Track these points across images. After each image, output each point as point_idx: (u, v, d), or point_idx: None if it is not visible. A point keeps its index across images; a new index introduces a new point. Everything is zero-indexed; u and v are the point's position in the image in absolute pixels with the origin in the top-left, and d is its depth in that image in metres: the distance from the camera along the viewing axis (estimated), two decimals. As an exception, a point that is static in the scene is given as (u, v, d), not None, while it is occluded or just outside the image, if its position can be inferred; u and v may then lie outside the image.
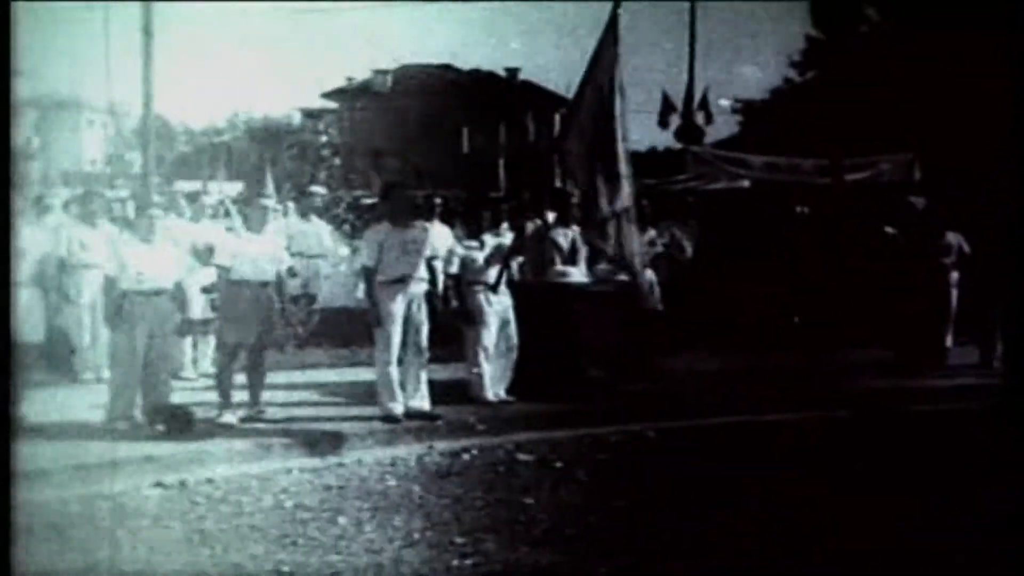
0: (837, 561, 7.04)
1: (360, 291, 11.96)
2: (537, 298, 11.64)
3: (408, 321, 10.62)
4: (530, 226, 12.11)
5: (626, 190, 11.54)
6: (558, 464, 9.44)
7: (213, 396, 10.50)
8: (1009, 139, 10.56)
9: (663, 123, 23.78)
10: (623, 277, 12.13)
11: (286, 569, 6.83)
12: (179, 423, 9.89)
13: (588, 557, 7.06)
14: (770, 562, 7.03)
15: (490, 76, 33.39)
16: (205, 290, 11.17)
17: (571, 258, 11.77)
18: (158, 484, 8.64)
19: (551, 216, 12.15)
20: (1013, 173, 10.94)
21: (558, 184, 11.98)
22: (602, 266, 12.13)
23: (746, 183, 16.74)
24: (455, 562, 6.99)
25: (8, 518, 6.87)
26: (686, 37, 24.15)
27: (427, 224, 11.09)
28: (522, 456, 9.69)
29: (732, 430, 10.60)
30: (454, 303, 11.23)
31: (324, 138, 33.43)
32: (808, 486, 8.52)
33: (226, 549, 7.15)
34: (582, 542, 7.32)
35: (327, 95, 33.98)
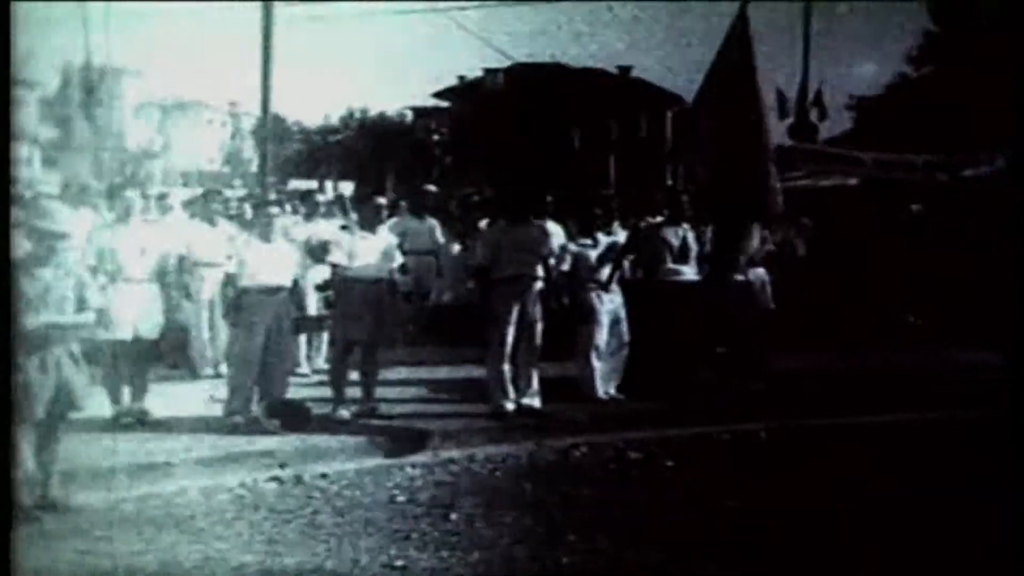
0: (951, 562, 6.94)
1: (473, 288, 12.03)
2: (648, 296, 11.61)
3: (522, 319, 10.67)
4: (642, 224, 12.09)
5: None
6: (669, 463, 9.41)
7: (327, 392, 10.66)
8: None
9: (780, 118, 23.46)
10: (736, 276, 12.04)
11: (399, 564, 6.91)
12: (295, 418, 10.06)
13: (698, 557, 7.04)
14: (879, 563, 6.95)
15: (602, 74, 33.27)
16: (320, 288, 11.32)
17: (682, 256, 11.70)
18: (274, 478, 8.80)
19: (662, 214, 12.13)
20: None
21: (669, 182, 11.93)
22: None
23: (855, 180, 16.51)
24: (565, 559, 7.01)
25: (8, 518, 6.99)
26: (800, 32, 23.82)
27: (544, 224, 11.11)
28: (632, 454, 9.67)
29: (844, 431, 10.46)
30: (565, 301, 11.24)
31: (436, 137, 33.66)
32: (922, 488, 8.39)
33: (340, 543, 7.26)
34: (692, 541, 7.30)
35: (439, 94, 34.18)
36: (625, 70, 33.73)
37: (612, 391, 11.36)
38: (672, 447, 9.83)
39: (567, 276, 11.26)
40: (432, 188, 16.92)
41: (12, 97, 7.54)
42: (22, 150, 27.68)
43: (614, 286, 11.37)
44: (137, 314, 10.11)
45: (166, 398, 10.54)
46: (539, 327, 10.75)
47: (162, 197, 13.21)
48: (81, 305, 7.73)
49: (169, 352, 11.77)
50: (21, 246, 7.92)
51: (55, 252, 7.68)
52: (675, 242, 11.68)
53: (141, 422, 10.07)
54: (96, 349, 8.74)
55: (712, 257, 11.77)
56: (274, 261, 10.20)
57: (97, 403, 8.67)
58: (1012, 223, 13.62)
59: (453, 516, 7.82)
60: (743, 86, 11.17)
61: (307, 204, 13.57)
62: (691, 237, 11.77)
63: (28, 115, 28.02)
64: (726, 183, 11.29)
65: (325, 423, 10.18)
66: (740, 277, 12.06)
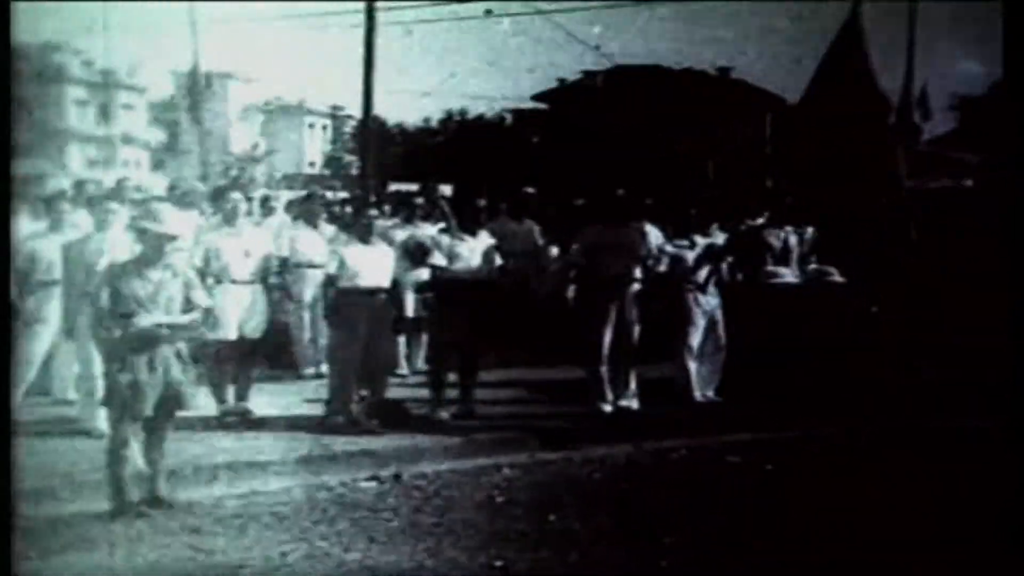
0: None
1: (571, 291, 12.02)
2: (747, 298, 11.53)
3: (620, 320, 10.67)
4: (742, 226, 12.02)
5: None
6: (768, 467, 9.34)
7: (426, 393, 10.74)
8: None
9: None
10: (835, 278, 11.91)
11: (498, 564, 6.96)
12: (394, 419, 10.16)
13: (798, 560, 6.99)
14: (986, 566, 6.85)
15: (702, 75, 33.04)
16: (419, 289, 11.40)
17: (783, 258, 11.61)
18: (374, 477, 8.89)
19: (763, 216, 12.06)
20: None
21: (769, 184, 11.84)
22: (813, 266, 11.93)
23: (968, 182, 16.21)
24: (663, 562, 7.01)
25: (8, 518, 7.09)
26: (904, 31, 23.41)
27: (643, 226, 11.09)
28: (731, 458, 9.62)
29: (949, 434, 10.29)
30: (658, 305, 11.21)
31: (535, 139, 33.68)
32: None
33: (440, 542, 7.33)
34: (792, 545, 7.25)
35: (538, 96, 34.21)
36: (725, 71, 33.47)
37: (710, 394, 11.30)
38: (772, 451, 9.76)
39: (664, 277, 11.24)
40: (531, 190, 16.95)
41: (12, 97, 7.62)
42: (131, 153, 28.31)
43: (711, 288, 11.31)
44: (241, 314, 10.28)
45: (269, 397, 10.70)
46: (636, 328, 10.75)
47: (265, 200, 13.42)
48: (188, 305, 7.89)
49: (272, 352, 11.92)
50: (131, 248, 8.12)
51: (163, 253, 7.84)
52: (776, 244, 11.60)
53: (245, 421, 10.24)
54: (202, 349, 8.91)
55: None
56: (374, 263, 10.30)
57: (202, 402, 8.83)
58: None
59: (551, 517, 7.85)
60: (858, 85, 11.04)
61: (407, 206, 13.68)
62: (793, 239, 11.67)
63: (138, 119, 28.66)
64: (837, 183, 11.17)
65: (424, 423, 10.26)
66: (841, 279, 11.93)
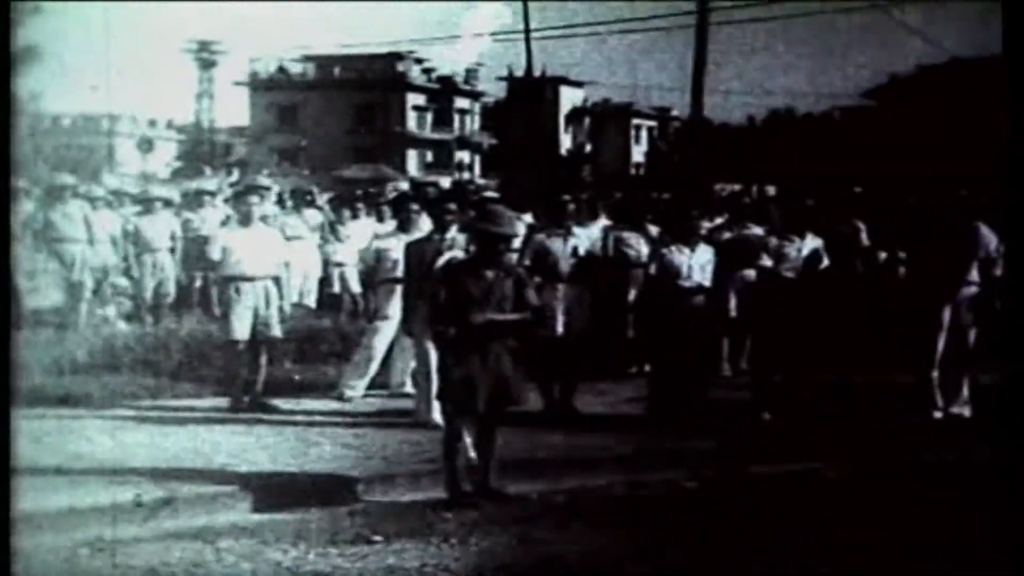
0: None
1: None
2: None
3: (954, 324, 10.38)
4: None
5: None
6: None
7: (748, 394, 10.73)
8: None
9: None
10: None
11: (823, 571, 6.91)
12: (715, 419, 10.17)
13: None
14: None
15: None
16: (744, 290, 11.34)
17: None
18: (694, 477, 8.88)
19: None
20: None
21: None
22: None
23: None
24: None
25: (8, 517, 7.14)
26: None
27: (978, 226, 10.68)
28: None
29: None
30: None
31: (865, 137, 32.82)
32: None
33: (761, 546, 7.31)
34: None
35: (868, 93, 33.29)
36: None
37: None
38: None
39: (1000, 280, 10.77)
40: (858, 189, 16.59)
41: (11, 95, 7.76)
42: (465, 156, 29.45)
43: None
44: (568, 313, 10.52)
45: (593, 395, 10.92)
46: (972, 332, 10.40)
47: (592, 200, 13.65)
48: (519, 304, 8.11)
49: (597, 350, 12.10)
50: (467, 247, 8.47)
51: (498, 253, 8.11)
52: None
53: (569, 418, 10.46)
54: (531, 346, 9.17)
55: None
56: (695, 263, 10.34)
57: (530, 398, 9.09)
58: None
59: (877, 528, 7.69)
60: None
61: (732, 206, 13.65)
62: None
63: (471, 123, 29.78)
64: None
65: (745, 425, 10.22)
66: None
